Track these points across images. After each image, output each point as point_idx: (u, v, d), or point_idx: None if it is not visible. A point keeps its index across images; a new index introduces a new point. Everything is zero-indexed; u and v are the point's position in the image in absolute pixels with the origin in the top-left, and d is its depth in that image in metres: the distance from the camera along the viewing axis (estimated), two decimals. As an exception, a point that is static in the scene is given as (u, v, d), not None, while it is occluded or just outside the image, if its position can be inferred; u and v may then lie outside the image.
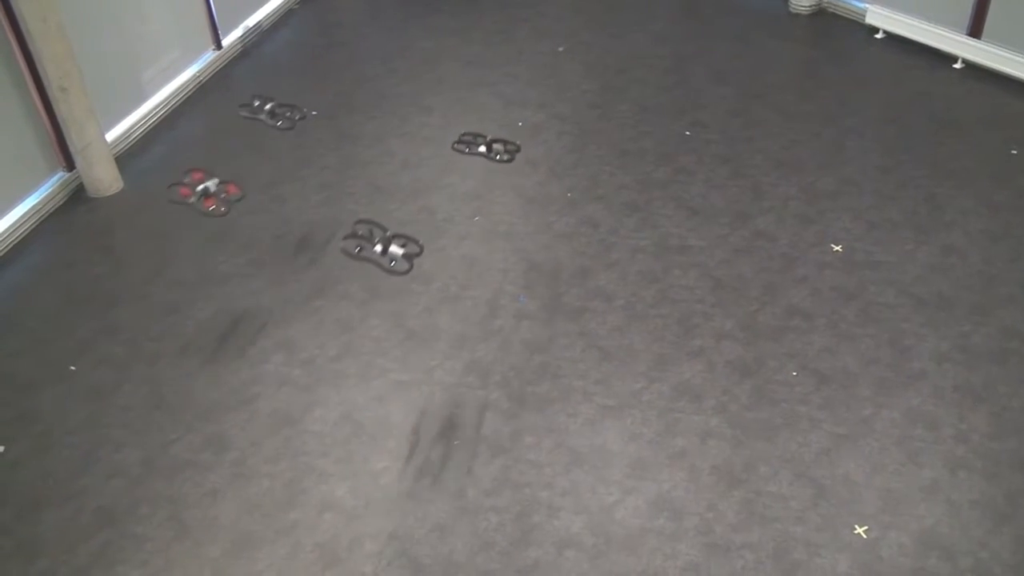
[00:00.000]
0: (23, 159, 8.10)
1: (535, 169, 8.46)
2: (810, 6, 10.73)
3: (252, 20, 11.10)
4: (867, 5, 10.21)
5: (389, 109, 9.54)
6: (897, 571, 5.00)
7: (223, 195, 7.97)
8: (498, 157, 8.27)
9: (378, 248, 7.30)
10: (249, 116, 8.89)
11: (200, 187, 8.01)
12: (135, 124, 9.25)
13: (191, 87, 9.99)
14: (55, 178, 8.40)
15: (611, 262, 7.30)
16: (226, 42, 10.61)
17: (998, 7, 9.05)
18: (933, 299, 6.72)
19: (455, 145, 8.63)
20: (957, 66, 9.49)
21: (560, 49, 10.44)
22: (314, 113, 9.50)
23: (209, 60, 10.33)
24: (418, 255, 7.24)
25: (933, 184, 7.87)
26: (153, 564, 5.28)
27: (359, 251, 7.17)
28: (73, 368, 6.62)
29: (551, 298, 6.99)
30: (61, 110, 8.02)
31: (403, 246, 7.32)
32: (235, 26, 10.84)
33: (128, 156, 8.97)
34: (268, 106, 8.88)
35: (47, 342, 6.85)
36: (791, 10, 10.82)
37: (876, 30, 10.18)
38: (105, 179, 8.42)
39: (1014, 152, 8.17)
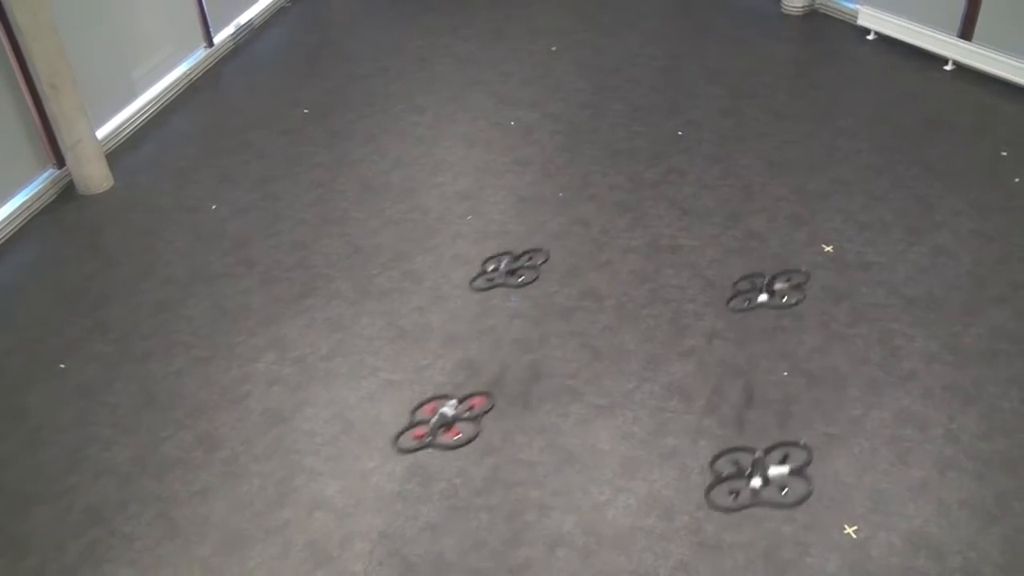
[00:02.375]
0: (13, 156, 8.06)
1: (527, 168, 8.47)
2: (802, 7, 10.76)
3: (244, 18, 11.08)
4: (859, 6, 10.24)
5: (381, 107, 9.53)
6: (886, 570, 5.02)
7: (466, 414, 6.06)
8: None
9: (756, 483, 5.43)
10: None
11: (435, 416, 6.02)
12: (126, 121, 9.23)
13: (182, 85, 9.96)
14: (45, 175, 8.37)
15: (603, 262, 7.30)
16: (218, 40, 10.58)
17: (989, 10, 9.09)
18: (923, 299, 6.74)
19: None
20: (948, 68, 9.53)
21: (553, 48, 10.45)
22: (305, 111, 9.48)
23: (200, 58, 10.31)
24: (807, 465, 5.52)
25: (924, 185, 7.90)
26: (142, 562, 5.27)
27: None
28: (63, 366, 6.59)
29: (543, 297, 6.99)
30: (51, 107, 7.99)
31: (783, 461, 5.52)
32: (227, 24, 10.82)
33: (118, 153, 8.94)
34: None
35: (36, 340, 6.82)
36: (783, 11, 10.85)
37: (867, 31, 10.22)
38: (95, 176, 8.39)
39: (1004, 154, 8.21)
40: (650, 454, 5.75)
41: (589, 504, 5.46)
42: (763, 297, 6.74)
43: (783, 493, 5.35)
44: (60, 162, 8.40)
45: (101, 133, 8.80)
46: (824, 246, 7.30)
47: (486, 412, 6.03)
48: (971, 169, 8.06)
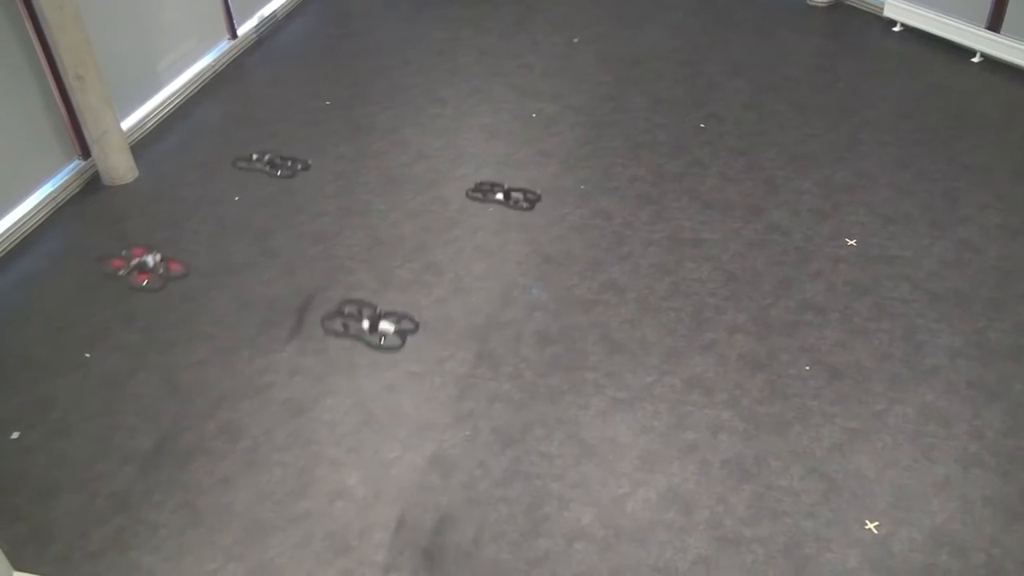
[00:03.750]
0: (39, 147, 8.15)
1: (548, 160, 8.45)
2: (827, -2, 10.65)
3: (267, 10, 11.12)
4: (885, -2, 10.13)
5: (403, 100, 9.54)
6: (908, 567, 4.99)
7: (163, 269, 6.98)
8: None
9: (365, 325, 6.63)
10: (246, 167, 8.47)
11: (135, 261, 7.04)
12: (150, 113, 9.29)
13: (206, 76, 10.02)
14: (71, 166, 8.45)
15: (624, 254, 7.28)
16: (241, 32, 10.63)
17: (1018, 0, 8.95)
18: (948, 294, 6.67)
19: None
20: (975, 60, 9.41)
21: (575, 40, 10.41)
22: (328, 103, 9.51)
23: (224, 50, 10.36)
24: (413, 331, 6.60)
25: (950, 178, 7.81)
26: (166, 550, 5.33)
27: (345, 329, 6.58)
28: (88, 355, 6.67)
29: (563, 290, 6.99)
30: (77, 98, 8.06)
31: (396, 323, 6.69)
32: (250, 16, 10.86)
33: (143, 145, 9.01)
34: (266, 156, 8.48)
35: (62, 329, 6.90)
36: (808, 2, 10.75)
37: (894, 23, 10.10)
38: (120, 167, 8.46)
39: (1032, 147, 8.10)
40: (670, 448, 5.74)
41: (608, 497, 5.47)
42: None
43: (381, 341, 6.55)
44: (86, 153, 8.47)
45: (126, 124, 8.87)
46: (847, 240, 7.25)
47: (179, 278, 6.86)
48: (998, 163, 7.96)
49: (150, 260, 7.04)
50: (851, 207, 7.58)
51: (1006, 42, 9.10)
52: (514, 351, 6.49)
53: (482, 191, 8.00)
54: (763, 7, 10.82)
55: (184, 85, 9.73)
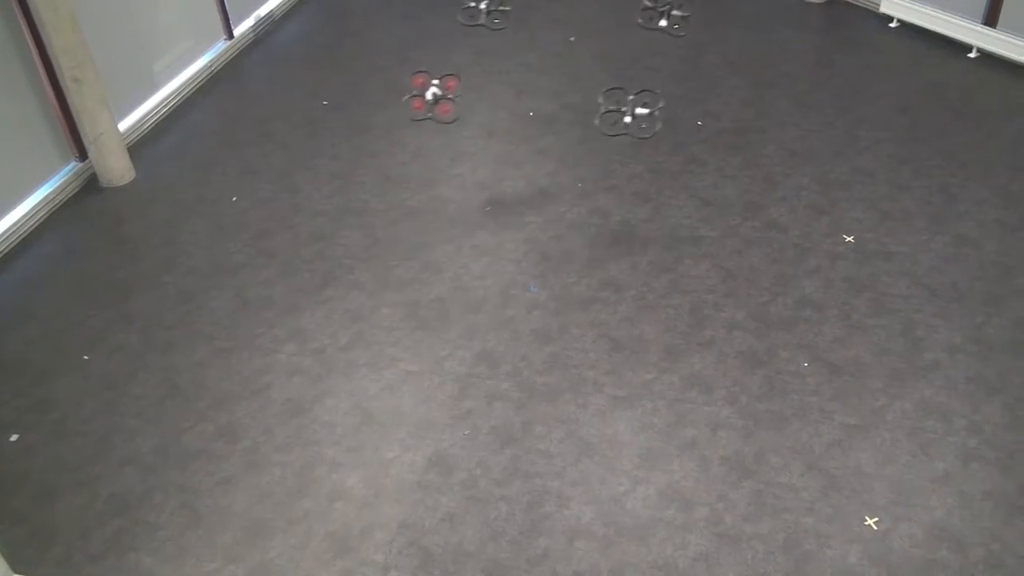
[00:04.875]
0: (36, 149, 8.14)
1: (546, 159, 8.45)
2: (824, -6, 10.65)
3: (264, 10, 11.11)
4: (882, -7, 10.13)
5: (401, 99, 9.51)
6: (907, 563, 4.99)
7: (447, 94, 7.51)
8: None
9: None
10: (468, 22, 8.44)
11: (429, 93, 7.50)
12: (147, 114, 9.28)
13: (203, 77, 10.01)
14: (68, 168, 8.44)
15: (622, 252, 7.28)
16: (238, 32, 10.62)
17: (1014, -5, 8.96)
18: (946, 290, 6.67)
19: None
20: (972, 55, 9.41)
21: (572, 38, 10.40)
22: (325, 103, 9.50)
23: (221, 50, 10.35)
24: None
25: (947, 174, 7.81)
26: (166, 551, 5.32)
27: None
28: (87, 357, 6.66)
29: (562, 288, 6.99)
30: (74, 100, 8.05)
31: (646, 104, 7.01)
32: (247, 16, 10.85)
33: (140, 146, 9.00)
34: (483, 4, 8.40)
35: (61, 331, 6.90)
36: (805, -1, 10.75)
37: (890, 19, 10.10)
38: (117, 168, 8.46)
39: (1030, 142, 8.10)
40: (669, 445, 5.74)
41: (608, 495, 5.47)
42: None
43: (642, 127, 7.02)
44: (83, 155, 8.46)
45: (123, 126, 8.86)
46: (845, 236, 7.24)
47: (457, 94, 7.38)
48: (995, 158, 7.96)
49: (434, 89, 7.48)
50: (849, 203, 7.58)
51: (1002, 37, 9.10)
52: (513, 350, 6.49)
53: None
54: (760, 4, 10.82)
55: (181, 86, 9.72)
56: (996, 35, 9.14)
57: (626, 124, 7.08)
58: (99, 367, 6.57)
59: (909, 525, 5.16)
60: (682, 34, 7.97)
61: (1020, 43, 8.96)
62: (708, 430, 5.81)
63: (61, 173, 8.37)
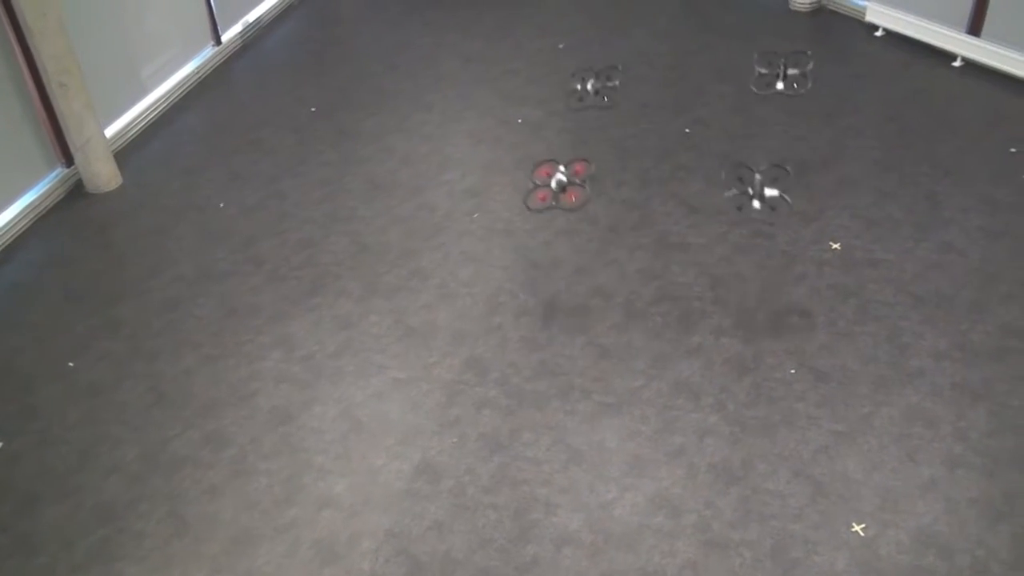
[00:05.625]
0: (21, 155, 8.10)
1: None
2: (810, 4, 10.71)
3: (252, 16, 11.10)
4: (867, 3, 10.20)
5: (389, 105, 9.54)
6: (895, 569, 5.01)
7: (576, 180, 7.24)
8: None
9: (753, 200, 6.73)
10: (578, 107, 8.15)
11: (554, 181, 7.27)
12: (134, 120, 9.25)
13: (191, 83, 9.99)
14: (54, 174, 8.40)
15: (610, 259, 7.30)
16: (226, 38, 10.60)
17: (997, 6, 9.03)
18: (932, 297, 6.72)
19: None
20: (956, 64, 9.48)
21: (560, 46, 10.43)
22: (313, 109, 9.49)
23: (209, 56, 10.33)
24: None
25: (932, 182, 7.87)
26: (152, 561, 5.29)
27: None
28: (72, 364, 6.62)
29: (550, 295, 6.99)
30: (60, 106, 8.02)
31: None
32: (235, 22, 10.83)
33: (127, 152, 8.97)
34: (590, 84, 8.19)
35: (46, 338, 6.86)
36: (791, 7, 10.80)
37: (876, 28, 10.17)
38: (104, 175, 8.42)
39: (1013, 150, 8.16)
40: (657, 452, 5.75)
41: (596, 502, 5.47)
42: (780, 85, 7.19)
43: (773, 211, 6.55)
44: (69, 161, 8.42)
45: (110, 131, 8.83)
46: (832, 243, 7.28)
47: (591, 176, 6.93)
48: (980, 166, 8.02)
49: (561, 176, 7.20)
50: (835, 211, 7.62)
51: (986, 46, 9.17)
52: (501, 357, 6.49)
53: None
54: (747, 13, 10.88)
55: (168, 92, 9.69)
56: (980, 44, 9.22)
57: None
58: (84, 375, 6.53)
59: (896, 531, 5.19)
60: (801, 92, 7.81)
61: (1004, 52, 9.04)
62: (696, 437, 5.83)
63: (47, 179, 8.33)
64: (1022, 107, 8.78)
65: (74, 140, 8.19)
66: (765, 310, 6.72)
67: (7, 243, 7.80)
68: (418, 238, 7.66)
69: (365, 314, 6.93)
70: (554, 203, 6.95)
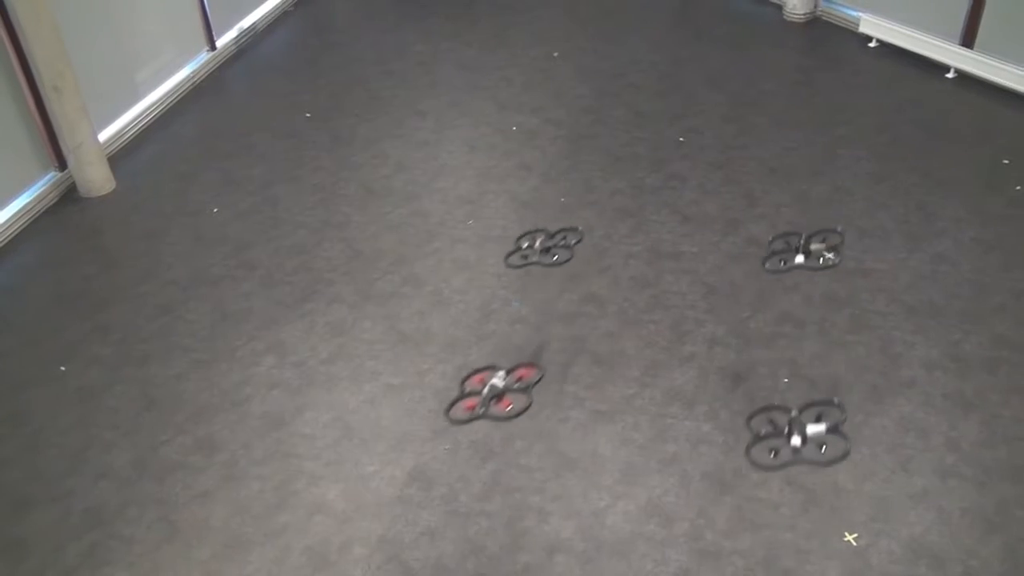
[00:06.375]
0: (14, 158, 8.07)
1: (529, 173, 8.47)
2: (804, 14, 10.77)
3: (247, 22, 11.10)
4: (860, 14, 10.26)
5: (383, 112, 9.54)
6: (886, 578, 5.01)
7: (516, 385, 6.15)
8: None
9: (796, 441, 5.60)
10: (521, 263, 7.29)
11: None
12: (128, 124, 9.24)
13: (185, 88, 9.98)
14: (47, 178, 8.37)
15: (604, 267, 7.30)
16: (220, 43, 10.60)
17: (991, 18, 9.10)
18: (924, 307, 6.74)
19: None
20: (949, 75, 9.54)
21: (555, 54, 10.46)
22: (308, 115, 9.49)
23: (203, 61, 10.32)
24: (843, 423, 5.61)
25: (925, 192, 7.90)
26: (142, 566, 5.26)
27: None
28: (63, 368, 6.59)
29: (544, 303, 6.99)
30: (54, 110, 8.00)
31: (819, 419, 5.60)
32: (230, 27, 10.84)
33: (121, 156, 8.95)
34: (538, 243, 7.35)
35: (37, 342, 6.82)
36: (785, 18, 10.86)
37: (869, 39, 10.23)
38: (97, 179, 8.40)
39: (1006, 162, 8.21)
40: (650, 460, 5.74)
41: (589, 510, 5.46)
42: (800, 258, 6.91)
43: (822, 451, 5.55)
44: (62, 165, 8.40)
45: (103, 136, 8.81)
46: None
47: (536, 383, 6.17)
48: (972, 177, 8.06)
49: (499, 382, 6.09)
50: (828, 221, 7.64)
51: (979, 58, 9.23)
52: (494, 364, 6.47)
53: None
54: (741, 23, 10.93)
55: (162, 97, 9.68)
56: (973, 56, 9.28)
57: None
58: (75, 379, 6.50)
59: (888, 541, 5.19)
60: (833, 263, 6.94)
61: (996, 64, 9.10)
62: (689, 445, 5.82)
63: (40, 183, 8.31)
64: (1015, 119, 8.83)
65: (67, 144, 8.18)
66: (758, 319, 6.73)
67: (-1, 246, 7.78)
68: (412, 245, 7.66)
69: (358, 320, 6.92)
70: (482, 411, 5.98)
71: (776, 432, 5.69)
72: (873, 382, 6.17)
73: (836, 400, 5.72)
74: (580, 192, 8.17)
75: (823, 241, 6.85)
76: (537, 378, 6.15)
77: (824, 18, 10.84)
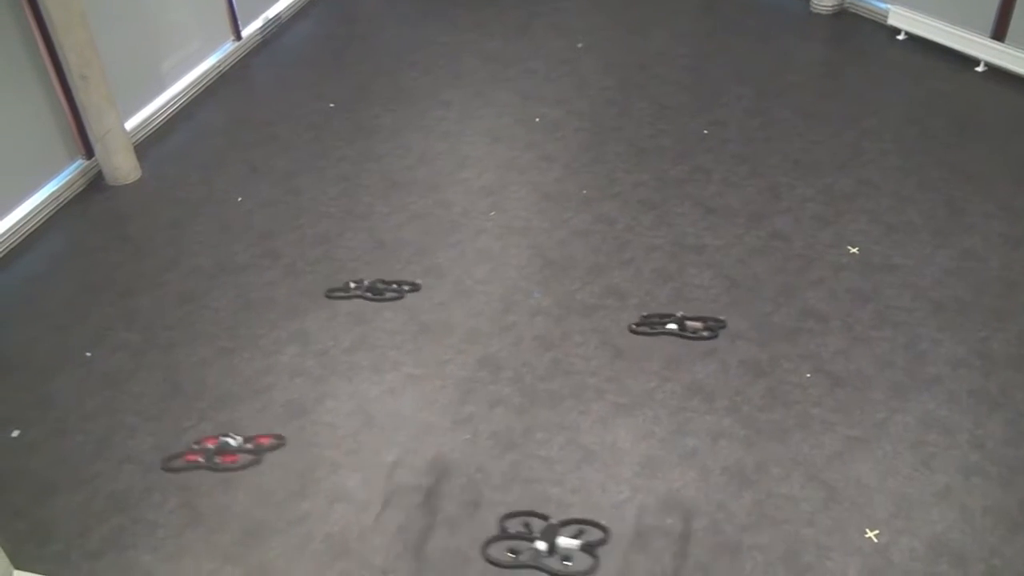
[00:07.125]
0: (43, 146, 8.16)
1: (551, 165, 8.45)
2: (832, 6, 10.66)
3: (272, 12, 11.14)
4: (889, 6, 10.13)
5: (407, 103, 9.55)
6: (908, 576, 4.98)
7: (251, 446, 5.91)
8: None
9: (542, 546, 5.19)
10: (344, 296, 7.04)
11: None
12: (154, 113, 9.30)
13: (210, 77, 10.03)
14: (74, 166, 8.46)
15: (626, 260, 7.28)
16: (245, 33, 10.64)
17: (1023, 11, 8.95)
18: (951, 303, 6.67)
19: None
20: (979, 69, 9.41)
21: (579, 45, 10.42)
22: (332, 105, 9.52)
23: (229, 51, 10.37)
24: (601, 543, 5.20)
25: (952, 187, 7.81)
26: (165, 550, 5.32)
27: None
28: (89, 355, 6.67)
29: (565, 295, 6.99)
30: (81, 98, 8.07)
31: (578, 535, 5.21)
32: (255, 17, 10.87)
33: (147, 145, 9.02)
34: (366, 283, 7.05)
35: (64, 328, 6.90)
36: (812, 10, 10.75)
37: (898, 31, 10.11)
38: (123, 167, 8.47)
39: (1036, 157, 8.09)
40: (670, 454, 5.73)
41: (608, 502, 5.46)
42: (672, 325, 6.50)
43: (565, 563, 5.10)
44: (89, 153, 8.48)
45: (130, 124, 8.89)
46: (850, 247, 7.24)
47: (273, 449, 5.83)
48: (1002, 172, 7.95)
49: (232, 441, 5.88)
50: (853, 215, 7.57)
51: (1010, 52, 9.09)
52: (515, 355, 6.48)
53: (650, 324, 6.60)
54: (767, 15, 10.83)
55: (188, 86, 9.74)
56: (1004, 49, 9.15)
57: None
58: (101, 364, 6.58)
59: (910, 539, 5.15)
60: None
61: (1027, 58, 8.96)
62: (709, 439, 5.80)
63: (68, 170, 8.39)
64: (1045, 114, 8.71)
65: (94, 132, 8.25)
66: (781, 313, 6.69)
67: (28, 233, 7.87)
68: (434, 235, 7.67)
69: (380, 310, 6.94)
70: (202, 461, 5.76)
71: (526, 535, 5.23)
72: (897, 378, 6.12)
73: (603, 522, 5.26)
74: (603, 184, 8.14)
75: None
76: (276, 445, 5.83)
77: (851, 10, 10.72)
